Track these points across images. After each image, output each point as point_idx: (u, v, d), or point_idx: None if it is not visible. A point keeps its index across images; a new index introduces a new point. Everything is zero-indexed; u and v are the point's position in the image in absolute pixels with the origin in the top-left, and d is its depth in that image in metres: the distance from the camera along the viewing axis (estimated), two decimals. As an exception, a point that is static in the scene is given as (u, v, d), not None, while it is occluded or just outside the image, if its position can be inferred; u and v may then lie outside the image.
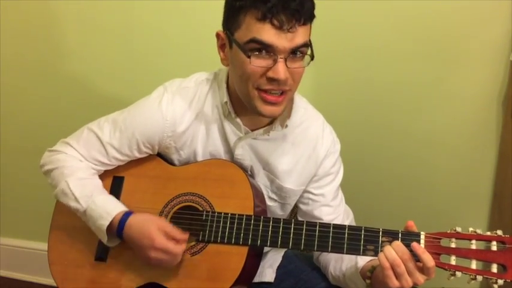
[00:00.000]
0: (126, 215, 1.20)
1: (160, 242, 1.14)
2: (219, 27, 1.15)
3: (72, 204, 1.24)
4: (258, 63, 1.06)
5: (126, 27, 1.87)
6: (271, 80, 1.07)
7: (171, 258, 1.16)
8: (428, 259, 1.02)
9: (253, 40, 1.04)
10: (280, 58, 1.05)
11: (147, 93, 1.29)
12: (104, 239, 1.21)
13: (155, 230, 1.16)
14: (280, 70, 1.05)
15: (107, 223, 1.19)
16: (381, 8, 1.64)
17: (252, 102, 1.12)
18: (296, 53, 1.07)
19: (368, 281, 1.13)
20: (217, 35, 1.16)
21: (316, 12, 1.08)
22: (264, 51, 1.05)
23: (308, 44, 1.08)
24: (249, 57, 1.05)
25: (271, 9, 1.01)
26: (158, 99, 1.25)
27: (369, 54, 1.71)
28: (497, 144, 1.70)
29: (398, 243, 1.04)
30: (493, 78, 1.64)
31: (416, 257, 1.03)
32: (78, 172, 1.26)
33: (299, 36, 1.05)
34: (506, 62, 1.60)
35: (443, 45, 1.63)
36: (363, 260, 1.19)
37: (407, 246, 1.04)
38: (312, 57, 1.09)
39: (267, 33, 1.03)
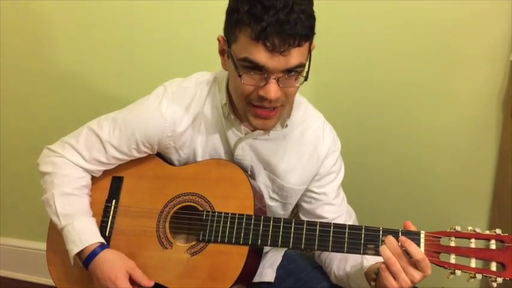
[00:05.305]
0: (100, 248, 1.21)
1: (123, 287, 1.18)
2: (219, 26, 1.13)
3: (53, 217, 1.25)
4: (248, 81, 1.05)
5: (126, 26, 1.87)
6: (262, 98, 1.07)
7: None
8: (417, 251, 1.01)
9: (246, 59, 1.03)
10: (273, 79, 1.04)
11: (147, 92, 1.29)
12: (71, 262, 1.23)
13: (122, 273, 1.19)
14: (271, 90, 1.04)
15: (76, 250, 1.21)
16: (381, 8, 1.63)
17: (245, 115, 1.14)
18: (290, 72, 1.05)
19: (373, 283, 1.11)
20: (219, 40, 1.14)
21: (316, 12, 1.07)
22: (256, 70, 1.04)
23: (303, 64, 1.06)
24: (240, 75, 1.05)
25: (264, 31, 0.98)
26: (158, 100, 1.25)
27: (368, 54, 1.71)
28: (497, 144, 1.70)
29: (391, 240, 1.05)
30: (493, 78, 1.64)
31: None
32: (68, 184, 1.26)
33: (293, 58, 1.02)
34: (506, 62, 1.60)
35: (443, 45, 1.63)
36: (368, 262, 1.17)
37: None
38: (306, 78, 1.07)
39: (260, 54, 1.01)
